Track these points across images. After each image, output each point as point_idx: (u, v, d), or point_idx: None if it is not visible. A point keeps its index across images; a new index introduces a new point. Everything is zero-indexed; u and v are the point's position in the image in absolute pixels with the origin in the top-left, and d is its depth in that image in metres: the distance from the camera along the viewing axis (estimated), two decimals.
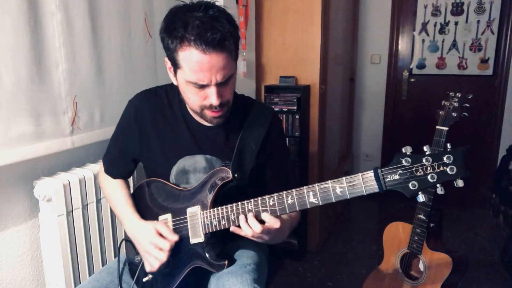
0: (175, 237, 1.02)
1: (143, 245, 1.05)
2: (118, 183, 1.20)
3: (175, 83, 1.03)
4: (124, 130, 1.16)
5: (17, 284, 1.32)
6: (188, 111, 1.10)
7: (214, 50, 0.89)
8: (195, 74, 0.92)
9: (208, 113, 1.00)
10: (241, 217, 0.93)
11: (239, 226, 0.95)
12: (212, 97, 0.95)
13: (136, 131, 1.13)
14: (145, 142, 1.13)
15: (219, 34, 0.88)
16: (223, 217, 0.97)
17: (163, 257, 1.01)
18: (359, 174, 0.80)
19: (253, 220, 0.92)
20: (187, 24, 0.89)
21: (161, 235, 1.03)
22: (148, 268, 1.06)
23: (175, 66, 0.96)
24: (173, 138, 1.10)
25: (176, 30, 0.90)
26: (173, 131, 1.11)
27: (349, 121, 3.57)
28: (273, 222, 0.91)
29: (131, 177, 1.48)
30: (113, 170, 1.21)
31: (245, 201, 0.94)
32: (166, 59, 1.00)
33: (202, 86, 0.94)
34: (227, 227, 0.97)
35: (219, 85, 0.94)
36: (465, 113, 1.44)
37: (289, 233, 1.07)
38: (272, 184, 1.11)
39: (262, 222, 0.93)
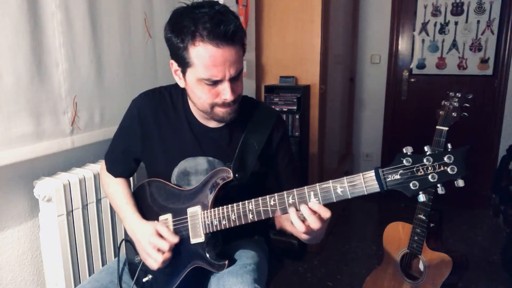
0: (175, 239, 1.02)
1: (142, 245, 1.05)
2: (120, 182, 1.20)
3: (182, 85, 1.03)
4: (127, 129, 1.16)
5: (17, 284, 1.32)
6: (192, 112, 1.10)
7: (227, 44, 0.89)
8: (209, 70, 0.91)
9: (220, 110, 0.99)
10: (293, 214, 0.86)
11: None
12: (226, 93, 0.95)
13: (139, 131, 1.13)
14: (147, 143, 1.13)
15: (232, 26, 0.88)
16: (223, 217, 0.97)
17: (160, 258, 1.01)
18: (360, 174, 0.80)
19: (307, 211, 0.85)
20: (196, 20, 0.89)
21: (161, 236, 1.03)
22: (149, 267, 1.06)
23: (185, 65, 0.95)
24: (176, 139, 1.10)
25: (186, 27, 0.90)
26: (175, 132, 1.10)
27: (349, 121, 3.57)
28: (323, 212, 0.85)
29: (132, 177, 1.48)
30: (115, 169, 1.21)
31: (246, 201, 0.94)
32: (172, 61, 0.99)
33: (215, 83, 0.94)
34: (227, 227, 0.97)
35: (231, 80, 0.95)
36: (465, 113, 1.44)
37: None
38: (273, 188, 1.11)
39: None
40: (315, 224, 0.84)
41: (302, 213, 0.85)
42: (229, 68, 0.92)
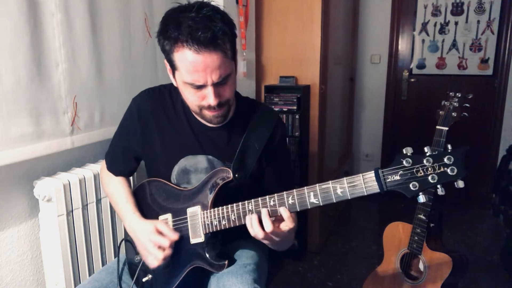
0: (175, 236, 1.02)
1: (142, 243, 1.05)
2: (120, 181, 1.20)
3: (175, 84, 1.03)
4: (127, 128, 1.16)
5: (17, 284, 1.32)
6: (191, 111, 1.10)
7: (206, 50, 0.88)
8: (191, 75, 0.92)
9: (207, 113, 1.00)
10: (253, 216, 0.91)
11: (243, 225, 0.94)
12: (209, 97, 0.95)
13: (139, 130, 1.13)
14: (147, 141, 1.13)
15: (210, 33, 0.87)
16: (223, 217, 0.97)
17: (160, 255, 1.01)
18: (360, 174, 0.80)
19: (266, 219, 0.90)
20: (180, 25, 0.89)
21: (161, 233, 1.03)
22: (149, 266, 1.06)
23: (173, 67, 0.96)
24: (175, 138, 1.10)
25: (169, 31, 0.90)
26: (175, 131, 1.11)
27: (349, 121, 3.57)
28: (289, 222, 0.89)
29: (132, 177, 1.48)
30: (115, 168, 1.21)
31: (246, 201, 0.94)
32: (165, 61, 1.00)
33: (199, 87, 0.94)
34: (227, 227, 0.97)
35: (216, 85, 0.94)
36: (465, 113, 1.44)
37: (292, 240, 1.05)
38: (271, 187, 1.11)
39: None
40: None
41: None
42: (211, 74, 0.91)
